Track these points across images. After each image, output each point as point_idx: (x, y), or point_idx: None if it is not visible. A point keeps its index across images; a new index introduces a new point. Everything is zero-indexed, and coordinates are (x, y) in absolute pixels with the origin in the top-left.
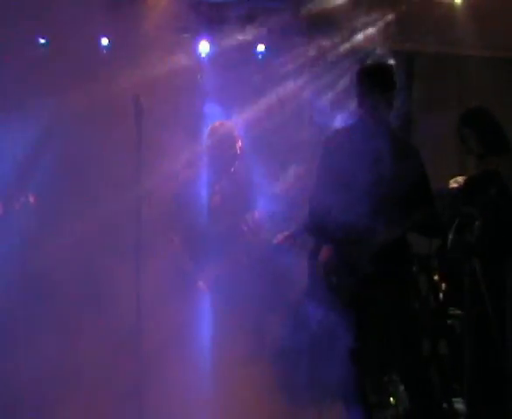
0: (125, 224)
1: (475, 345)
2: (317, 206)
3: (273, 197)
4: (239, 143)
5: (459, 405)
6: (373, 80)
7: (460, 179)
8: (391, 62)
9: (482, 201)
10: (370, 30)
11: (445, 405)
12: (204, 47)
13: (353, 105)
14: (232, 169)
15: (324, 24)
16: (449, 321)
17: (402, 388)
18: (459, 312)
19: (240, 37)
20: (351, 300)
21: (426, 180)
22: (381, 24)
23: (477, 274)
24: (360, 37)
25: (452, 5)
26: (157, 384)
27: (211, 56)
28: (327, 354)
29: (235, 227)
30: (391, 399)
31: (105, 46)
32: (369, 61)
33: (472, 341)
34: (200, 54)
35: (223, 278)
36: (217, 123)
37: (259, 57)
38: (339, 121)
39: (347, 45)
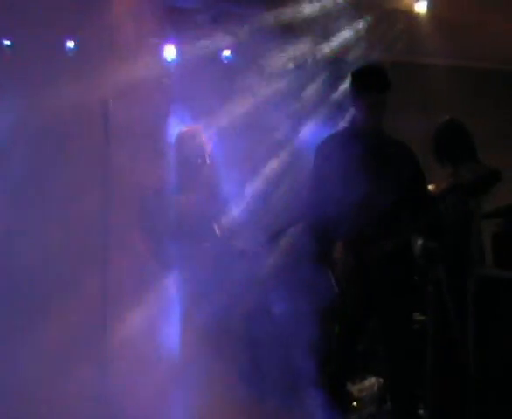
0: (92, 228)
1: (438, 350)
2: (315, 211)
3: (243, 203)
4: (207, 148)
5: (421, 410)
6: (368, 81)
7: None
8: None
9: (448, 209)
10: (339, 39)
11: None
12: (170, 52)
13: (321, 111)
14: (201, 174)
15: (293, 31)
16: (414, 327)
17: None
18: (423, 318)
19: (207, 43)
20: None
21: (424, 179)
22: (350, 32)
23: (441, 280)
24: (329, 45)
25: (417, 15)
26: (122, 386)
27: (177, 61)
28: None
29: (203, 232)
30: (355, 403)
31: (71, 49)
32: (362, 65)
33: (434, 347)
34: (166, 59)
35: (191, 281)
36: (184, 128)
37: (226, 62)
38: (307, 128)
39: (315, 53)
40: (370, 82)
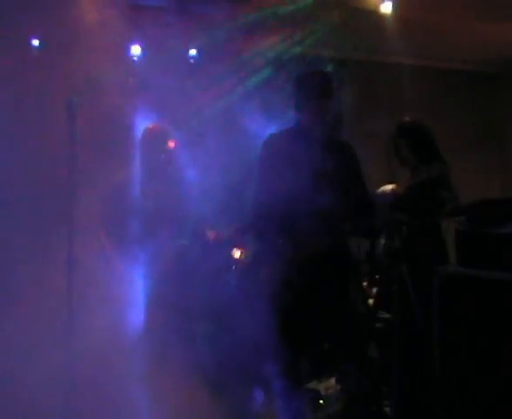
0: (57, 227)
1: (403, 348)
2: (261, 207)
3: (205, 200)
4: (173, 145)
5: (387, 408)
6: (311, 86)
7: (389, 187)
8: (328, 69)
9: (412, 208)
10: (305, 38)
11: (374, 407)
12: (136, 51)
13: (285, 110)
14: (165, 171)
15: (258, 30)
16: (378, 325)
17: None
18: (388, 316)
19: (173, 42)
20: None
21: (363, 181)
22: (315, 31)
23: (405, 279)
24: (294, 44)
25: (383, 15)
26: (90, 383)
27: (142, 59)
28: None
29: (168, 228)
30: (322, 401)
31: (36, 47)
32: (306, 67)
33: (400, 345)
34: (133, 58)
35: (156, 277)
36: (150, 125)
37: (192, 61)
38: (270, 127)
39: (280, 52)
40: (316, 88)
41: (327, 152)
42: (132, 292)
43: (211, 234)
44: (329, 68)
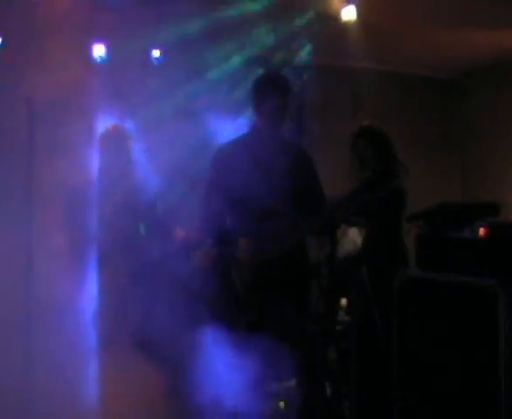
0: (15, 231)
1: (362, 350)
2: (210, 213)
3: (168, 203)
4: (132, 145)
5: (346, 409)
6: (268, 89)
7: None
8: (287, 72)
9: (369, 210)
10: (267, 42)
11: (334, 409)
12: (99, 50)
13: (248, 113)
14: (125, 170)
15: (222, 32)
16: (338, 327)
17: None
18: (347, 318)
19: (136, 42)
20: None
21: (319, 182)
22: (277, 35)
23: (364, 281)
24: (256, 48)
25: (346, 20)
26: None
27: (106, 60)
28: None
29: (128, 233)
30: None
31: None
32: (263, 71)
33: (359, 347)
34: (95, 57)
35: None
36: (110, 126)
37: (155, 62)
38: (232, 130)
39: (243, 55)
40: (269, 89)
41: (280, 154)
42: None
43: (179, 232)
44: (287, 71)
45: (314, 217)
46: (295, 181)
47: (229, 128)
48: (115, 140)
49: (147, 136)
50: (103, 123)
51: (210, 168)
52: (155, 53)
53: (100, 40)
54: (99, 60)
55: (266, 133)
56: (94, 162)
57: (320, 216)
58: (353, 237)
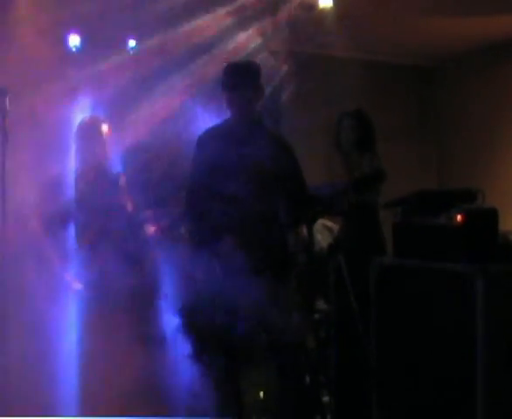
0: None
1: (341, 339)
2: (195, 202)
3: (143, 193)
4: (107, 136)
5: (325, 398)
6: (234, 77)
7: None
8: (266, 59)
9: (348, 199)
10: (246, 32)
11: (312, 397)
12: (74, 40)
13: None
14: (99, 161)
15: (197, 20)
16: (316, 316)
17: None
18: (326, 306)
19: (111, 31)
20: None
21: (300, 172)
22: (256, 24)
23: (342, 269)
24: (235, 38)
25: (322, 8)
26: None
27: (81, 49)
28: None
29: (106, 223)
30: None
31: None
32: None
33: (338, 335)
34: (70, 47)
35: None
36: (85, 117)
37: (131, 52)
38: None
39: (217, 42)
40: (240, 77)
41: (254, 145)
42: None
43: (150, 229)
44: (271, 60)
45: (295, 205)
46: (275, 169)
47: (209, 115)
48: (88, 131)
49: (121, 127)
50: (79, 116)
51: (193, 157)
52: (132, 43)
53: (75, 30)
54: (74, 50)
55: (238, 124)
56: (70, 155)
57: (301, 205)
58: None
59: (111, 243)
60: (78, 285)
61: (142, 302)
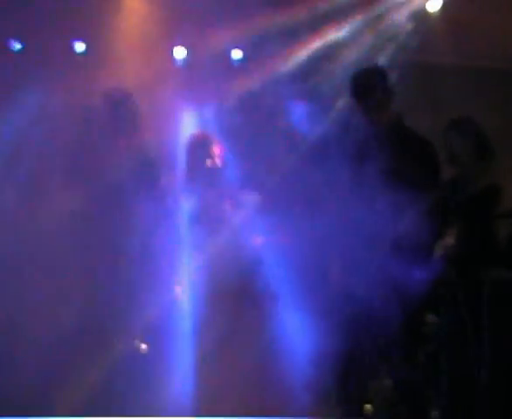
0: None
1: (451, 353)
2: None
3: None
4: (218, 151)
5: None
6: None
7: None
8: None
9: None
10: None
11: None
12: (180, 53)
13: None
14: (211, 176)
15: (302, 32)
16: (425, 329)
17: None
18: (435, 320)
19: (217, 43)
20: None
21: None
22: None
23: (453, 283)
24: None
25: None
26: None
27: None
28: None
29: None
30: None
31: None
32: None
33: (448, 350)
34: (176, 59)
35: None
36: (195, 132)
37: (236, 63)
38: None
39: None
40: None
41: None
42: None
43: (256, 240)
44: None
45: None
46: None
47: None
48: (200, 147)
49: (232, 141)
50: (187, 130)
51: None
52: (237, 54)
53: (180, 43)
54: (180, 62)
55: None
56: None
57: None
58: None
59: None
60: None
61: None
